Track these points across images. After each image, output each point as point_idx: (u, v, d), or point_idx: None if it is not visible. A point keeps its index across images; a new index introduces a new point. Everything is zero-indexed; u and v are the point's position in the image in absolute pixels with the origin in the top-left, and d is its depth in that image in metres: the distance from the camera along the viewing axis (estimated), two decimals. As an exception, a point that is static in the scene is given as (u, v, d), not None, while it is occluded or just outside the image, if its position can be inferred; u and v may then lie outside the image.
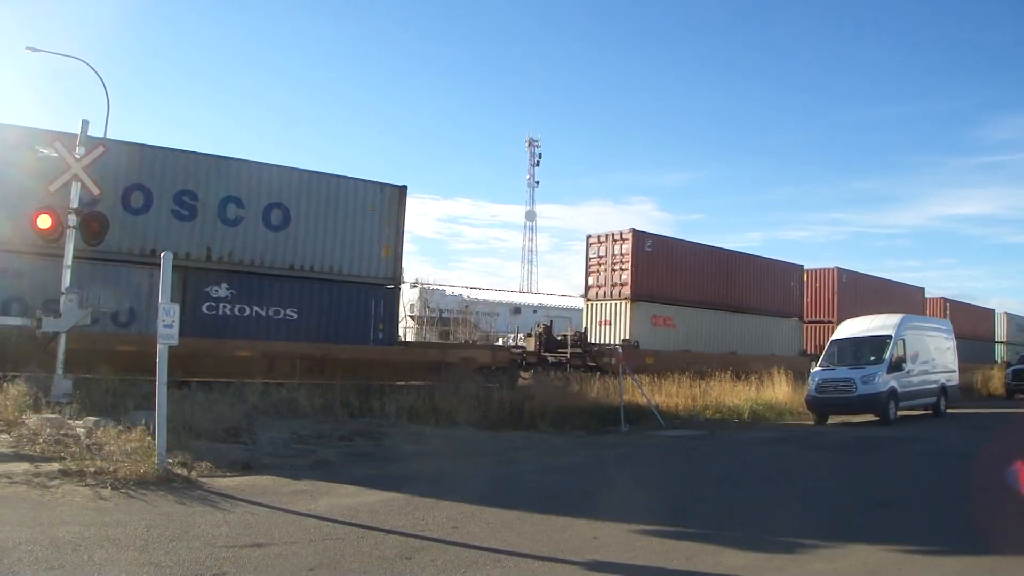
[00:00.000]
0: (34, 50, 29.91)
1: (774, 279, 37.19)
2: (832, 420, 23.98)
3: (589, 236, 32.70)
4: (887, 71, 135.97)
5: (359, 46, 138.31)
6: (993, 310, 57.96)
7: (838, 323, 34.65)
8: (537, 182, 75.69)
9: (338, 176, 22.64)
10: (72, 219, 14.17)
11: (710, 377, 27.12)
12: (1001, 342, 58.04)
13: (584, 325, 32.59)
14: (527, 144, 76.52)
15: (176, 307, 11.22)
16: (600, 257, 31.86)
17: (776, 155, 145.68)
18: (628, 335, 30.01)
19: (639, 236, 31.22)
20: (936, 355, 27.53)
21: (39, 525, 8.06)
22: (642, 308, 30.73)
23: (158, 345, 11.05)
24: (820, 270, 40.98)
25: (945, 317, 42.11)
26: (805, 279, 39.66)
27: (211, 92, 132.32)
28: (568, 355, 29.15)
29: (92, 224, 14.33)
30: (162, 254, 11.29)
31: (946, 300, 49.85)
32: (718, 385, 26.57)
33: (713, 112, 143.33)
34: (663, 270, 31.81)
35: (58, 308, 14.25)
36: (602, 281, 31.62)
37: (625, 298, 30.73)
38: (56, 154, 14.23)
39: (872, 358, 24.41)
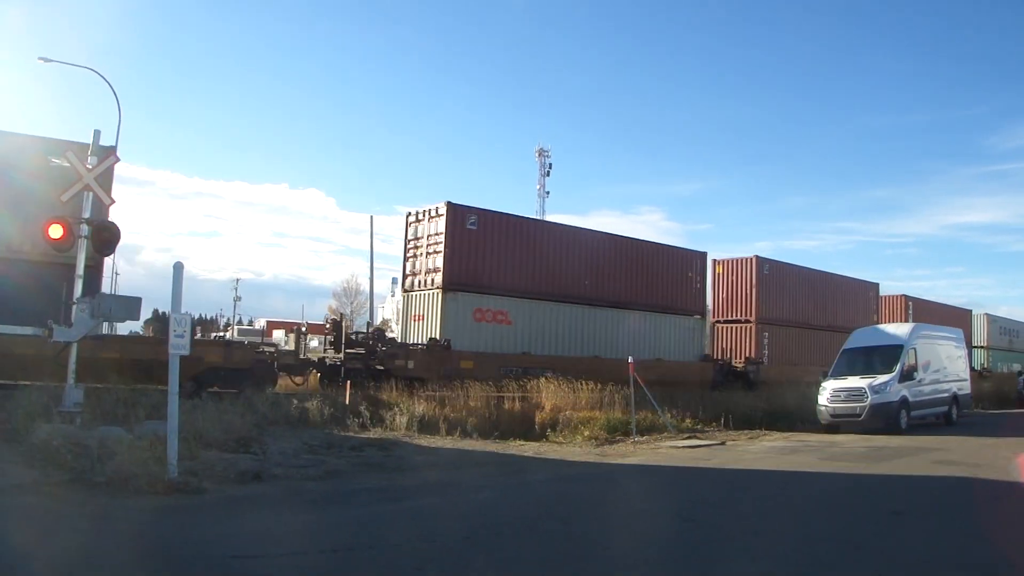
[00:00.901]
0: (46, 60, 30.07)
1: (667, 269, 32.04)
2: (843, 429, 23.89)
3: (408, 213, 27.34)
4: (897, 80, 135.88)
5: (375, 56, 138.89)
6: (970, 311, 53.77)
7: (758, 323, 35.22)
8: (547, 192, 75.39)
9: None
10: (84, 229, 14.19)
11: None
12: (980, 347, 53.19)
13: (399, 322, 29.59)
14: (537, 154, 76.40)
15: (187, 317, 11.22)
16: (416, 239, 26.58)
17: (785, 164, 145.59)
18: (439, 332, 24.45)
19: (457, 211, 25.36)
20: (947, 363, 27.44)
21: (50, 535, 8.06)
22: (459, 300, 24.85)
23: (170, 355, 11.07)
24: (735, 260, 36.55)
25: (907, 318, 42.06)
26: (718, 271, 36.37)
27: (224, 99, 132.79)
28: (346, 356, 24.72)
29: (103, 234, 14.35)
30: (173, 264, 11.32)
31: (907, 298, 46.38)
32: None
33: (722, 122, 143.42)
34: (493, 253, 26.09)
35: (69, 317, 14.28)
36: (418, 268, 26.28)
37: (437, 287, 25.12)
38: (68, 164, 14.26)
39: (883, 367, 24.31)
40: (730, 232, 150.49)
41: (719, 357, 34.94)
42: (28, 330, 14.80)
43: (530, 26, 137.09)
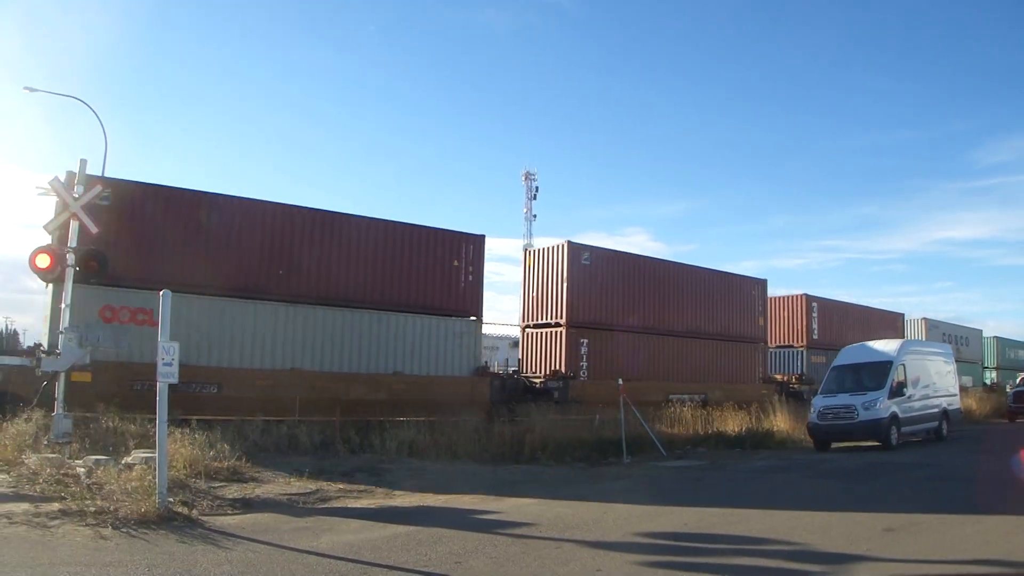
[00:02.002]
0: (31, 90, 30.08)
1: (427, 256, 25.40)
2: (834, 446, 23.96)
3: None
4: (880, 98, 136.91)
5: (357, 80, 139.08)
6: (902, 315, 49.87)
7: (570, 326, 28.15)
8: (535, 215, 75.50)
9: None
10: (70, 258, 14.18)
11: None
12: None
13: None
14: (524, 178, 76.61)
15: (175, 345, 11.20)
16: None
17: (770, 183, 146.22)
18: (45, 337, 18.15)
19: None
20: (937, 379, 27.53)
21: (40, 566, 8.01)
22: (81, 293, 16.40)
23: (158, 384, 11.04)
24: (549, 247, 30.06)
25: (808, 322, 41.26)
26: (530, 262, 30.46)
27: (209, 125, 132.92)
28: None
29: (91, 262, 14.34)
30: (161, 293, 11.29)
31: (809, 298, 41.79)
32: None
33: (707, 142, 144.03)
34: (127, 232, 19.75)
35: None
36: None
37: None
38: (55, 193, 14.28)
39: (873, 384, 24.37)
40: (716, 252, 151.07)
41: (503, 370, 31.73)
42: (15, 360, 14.72)
43: (514, 49, 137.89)
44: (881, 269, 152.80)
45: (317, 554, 9.12)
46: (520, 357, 31.11)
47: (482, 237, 26.75)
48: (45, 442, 13.63)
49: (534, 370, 29.39)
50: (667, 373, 31.65)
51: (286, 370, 21.51)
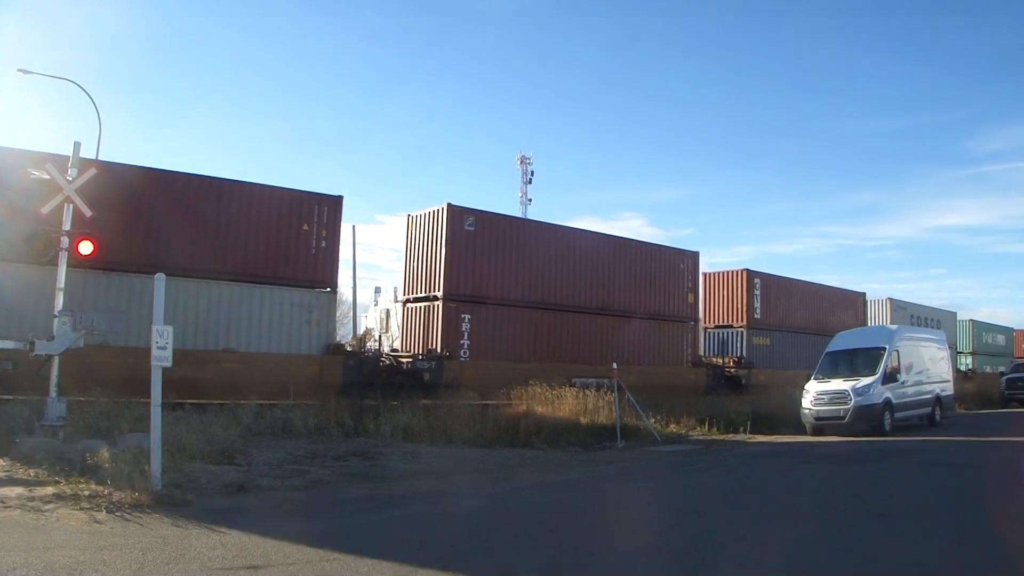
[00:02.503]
0: (25, 72, 30.00)
1: (273, 224, 22.41)
2: (828, 432, 24.04)
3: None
4: (876, 85, 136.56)
5: (352, 64, 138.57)
6: (863, 293, 46.36)
7: (446, 300, 25.00)
8: (530, 200, 75.18)
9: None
10: (64, 241, 14.14)
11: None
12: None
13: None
14: (519, 162, 76.12)
15: (169, 329, 11.19)
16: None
17: (767, 169, 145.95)
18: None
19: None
20: (930, 365, 27.64)
21: (34, 550, 8.02)
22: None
23: (152, 367, 11.04)
24: (428, 212, 26.64)
25: (748, 299, 37.57)
26: (412, 227, 27.37)
27: (205, 107, 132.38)
28: None
29: (85, 245, 14.30)
30: (155, 276, 11.28)
31: (751, 273, 37.42)
32: None
33: (703, 127, 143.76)
34: None
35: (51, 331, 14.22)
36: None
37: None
38: (48, 176, 14.22)
39: (867, 370, 24.46)
40: (712, 237, 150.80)
41: (365, 348, 28.47)
42: (9, 343, 14.69)
43: (510, 34, 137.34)
44: (876, 256, 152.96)
45: (311, 538, 9.13)
46: (400, 335, 28.36)
47: (339, 199, 23.60)
48: (39, 425, 13.62)
49: (415, 350, 26.15)
50: (572, 354, 28.14)
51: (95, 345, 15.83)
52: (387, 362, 25.35)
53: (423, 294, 26.35)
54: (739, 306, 37.04)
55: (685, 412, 24.39)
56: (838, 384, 24.23)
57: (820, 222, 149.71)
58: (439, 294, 25.49)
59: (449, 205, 25.66)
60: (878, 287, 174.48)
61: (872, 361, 24.76)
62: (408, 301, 27.18)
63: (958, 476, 15.14)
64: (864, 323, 42.83)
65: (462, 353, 25.31)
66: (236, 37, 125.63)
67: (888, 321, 43.83)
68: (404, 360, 25.42)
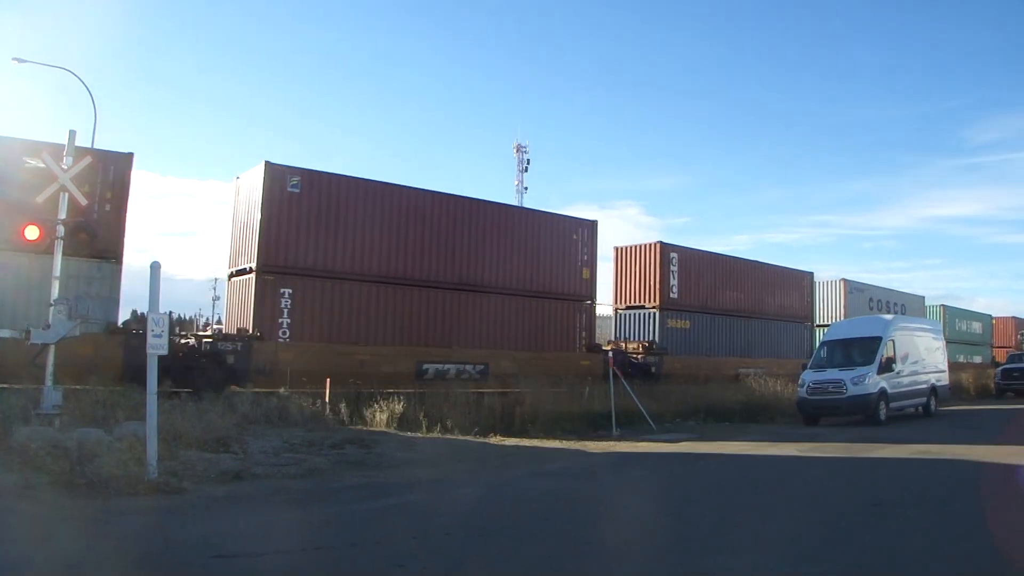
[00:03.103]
0: (21, 61, 29.91)
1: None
2: (823, 422, 24.10)
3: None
4: (873, 74, 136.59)
5: (345, 51, 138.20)
6: (811, 273, 41.89)
7: (263, 272, 21.58)
8: (526, 188, 75.09)
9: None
10: (60, 230, 14.11)
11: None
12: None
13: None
14: (515, 150, 76.09)
15: (165, 316, 11.19)
16: None
17: (763, 158, 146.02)
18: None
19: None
20: (926, 355, 27.65)
21: (30, 539, 8.03)
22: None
23: (148, 355, 11.04)
24: (254, 171, 22.86)
25: (662, 272, 32.46)
26: (238, 194, 23.75)
27: (198, 97, 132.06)
28: None
29: (80, 234, 14.29)
30: (150, 264, 11.27)
31: (664, 246, 33.05)
32: None
33: (699, 115, 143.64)
34: None
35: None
36: None
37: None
38: (44, 165, 14.17)
39: (862, 359, 24.47)
40: (708, 226, 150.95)
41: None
42: (5, 332, 14.65)
43: (506, 21, 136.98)
44: (872, 245, 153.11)
45: (307, 525, 9.16)
46: (224, 313, 25.90)
47: (129, 156, 20.39)
48: (35, 414, 13.60)
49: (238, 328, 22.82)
50: (425, 336, 24.37)
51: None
52: (187, 343, 21.67)
53: (241, 267, 23.02)
54: (651, 284, 32.50)
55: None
56: (834, 373, 24.25)
57: (817, 211, 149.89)
58: (253, 265, 22.00)
59: (267, 163, 22.10)
60: (877, 276, 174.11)
61: (868, 351, 24.76)
62: (232, 275, 23.85)
63: (952, 466, 15.17)
64: (811, 306, 41.11)
65: (280, 334, 21.82)
66: (234, 22, 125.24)
67: (842, 305, 41.91)
68: (206, 341, 21.60)
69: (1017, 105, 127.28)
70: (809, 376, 24.72)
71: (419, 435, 17.25)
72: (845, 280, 43.10)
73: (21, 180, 15.29)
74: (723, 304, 35.22)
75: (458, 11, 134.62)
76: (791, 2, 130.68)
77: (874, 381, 23.74)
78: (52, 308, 13.99)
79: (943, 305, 53.39)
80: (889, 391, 24.28)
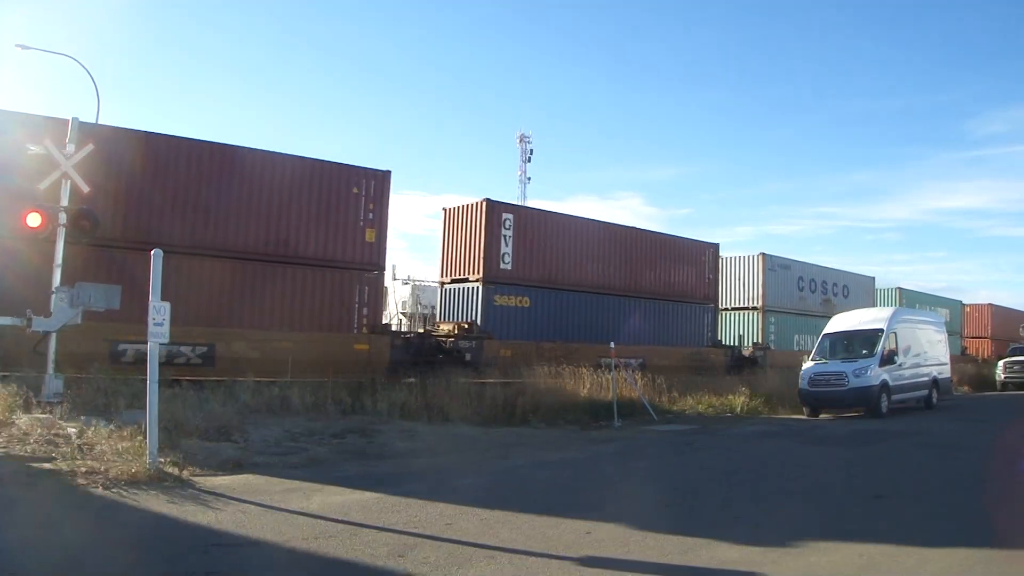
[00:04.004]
0: (24, 47, 29.84)
1: None
2: (824, 414, 24.12)
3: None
4: (876, 65, 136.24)
5: (348, 41, 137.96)
6: (716, 245, 34.93)
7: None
8: (529, 178, 75.02)
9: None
10: (62, 217, 14.09)
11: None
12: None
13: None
14: (518, 140, 76.06)
15: (166, 305, 11.16)
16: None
17: (765, 149, 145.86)
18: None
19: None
20: (928, 348, 27.66)
21: (30, 527, 8.02)
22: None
23: (148, 344, 11.02)
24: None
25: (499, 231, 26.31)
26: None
27: (204, 85, 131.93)
28: None
29: (82, 221, 14.27)
30: (152, 252, 11.24)
31: (488, 202, 26.33)
32: None
33: (700, 106, 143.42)
34: None
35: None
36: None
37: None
38: (46, 151, 14.14)
39: (864, 351, 24.53)
40: (710, 217, 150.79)
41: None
42: (7, 320, 14.63)
43: (509, 11, 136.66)
44: (875, 238, 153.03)
45: (307, 515, 9.14)
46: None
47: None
48: (36, 402, 13.61)
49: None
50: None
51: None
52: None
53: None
54: (475, 253, 26.46)
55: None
56: (836, 365, 24.30)
57: (820, 203, 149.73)
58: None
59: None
60: (879, 269, 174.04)
61: (870, 343, 24.81)
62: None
63: (953, 457, 15.16)
64: (715, 284, 34.07)
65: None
66: (238, 18, 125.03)
67: (760, 284, 36.43)
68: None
69: (1021, 98, 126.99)
70: (811, 368, 24.73)
71: (421, 425, 17.20)
72: (764, 254, 36.98)
73: (24, 166, 15.21)
74: (581, 279, 28.51)
75: (462, 3, 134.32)
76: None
77: (876, 373, 23.76)
78: (54, 296, 13.98)
79: (899, 288, 48.57)
80: (891, 383, 24.30)
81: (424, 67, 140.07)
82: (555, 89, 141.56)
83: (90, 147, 14.65)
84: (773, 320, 37.07)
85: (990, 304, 59.20)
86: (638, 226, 32.18)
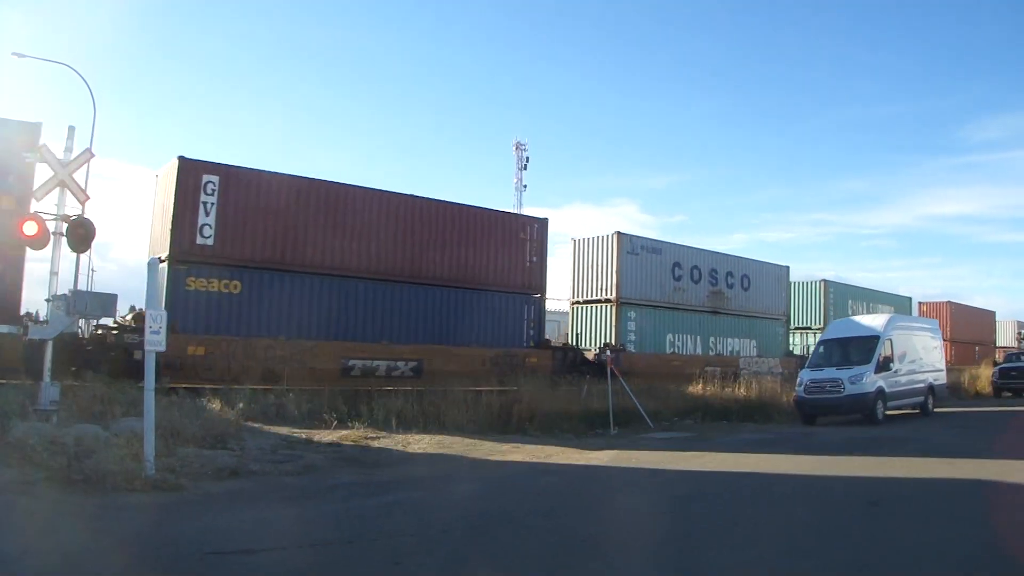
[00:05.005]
0: (20, 56, 29.82)
1: None
2: (820, 421, 24.13)
3: None
4: (869, 72, 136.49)
5: (344, 49, 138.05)
6: (621, 230, 30.57)
7: None
8: (525, 185, 75.04)
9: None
10: (59, 226, 14.12)
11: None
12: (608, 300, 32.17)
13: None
14: (514, 147, 76.11)
15: (163, 314, 11.20)
16: None
17: (759, 156, 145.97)
18: None
19: None
20: (923, 354, 27.65)
21: (27, 534, 8.04)
22: None
23: (145, 351, 11.04)
24: None
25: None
26: None
27: (198, 94, 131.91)
28: None
29: (79, 231, 14.29)
30: (147, 262, 11.28)
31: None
32: None
33: (695, 114, 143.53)
34: None
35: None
36: None
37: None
38: (43, 160, 14.18)
39: (860, 358, 24.47)
40: (704, 224, 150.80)
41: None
42: (3, 328, 14.67)
43: (505, 19, 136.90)
44: (869, 244, 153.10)
45: (303, 522, 9.17)
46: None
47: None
48: (32, 410, 13.61)
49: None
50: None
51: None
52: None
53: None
54: (160, 222, 21.56)
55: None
56: (831, 372, 24.25)
57: (814, 210, 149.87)
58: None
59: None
60: (874, 276, 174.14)
61: (866, 350, 24.76)
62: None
63: (950, 465, 15.18)
64: (541, 268, 27.52)
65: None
66: (227, 23, 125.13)
67: (614, 271, 29.93)
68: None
69: (1015, 104, 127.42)
70: (807, 375, 24.73)
71: (415, 434, 17.22)
72: (620, 233, 30.35)
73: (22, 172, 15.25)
74: (329, 259, 22.82)
75: (458, 8, 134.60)
76: (789, 1, 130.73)
77: (872, 380, 23.74)
78: (50, 304, 14.00)
79: (823, 280, 41.80)
80: (887, 390, 24.27)
81: (420, 75, 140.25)
82: (551, 97, 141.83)
83: (87, 156, 14.69)
84: (633, 315, 30.27)
85: (948, 302, 51.40)
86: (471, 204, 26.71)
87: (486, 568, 7.51)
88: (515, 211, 30.30)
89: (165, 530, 8.49)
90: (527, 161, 75.93)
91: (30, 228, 13.65)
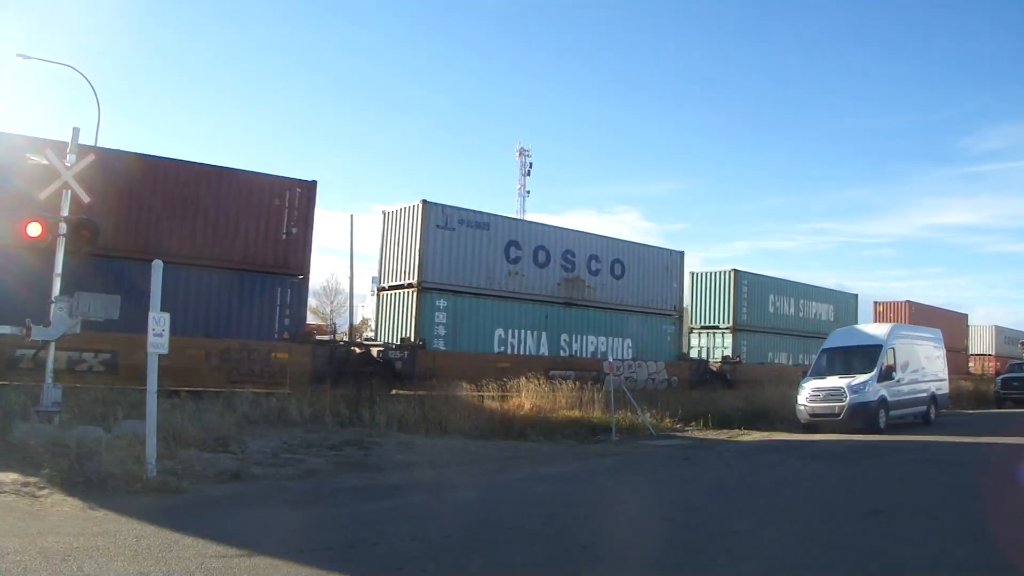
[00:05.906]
0: (25, 57, 29.88)
1: None
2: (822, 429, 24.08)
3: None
4: (873, 82, 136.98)
5: (351, 53, 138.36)
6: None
7: None
8: (528, 191, 75.15)
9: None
10: (62, 227, 14.09)
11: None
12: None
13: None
14: (518, 153, 76.33)
15: (166, 316, 11.19)
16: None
17: (762, 165, 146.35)
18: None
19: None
20: (926, 363, 27.64)
21: (28, 535, 8.01)
22: None
23: (148, 354, 11.03)
24: None
25: None
26: None
27: (206, 98, 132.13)
28: None
29: (83, 231, 14.26)
30: (153, 263, 11.26)
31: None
32: None
33: (698, 122, 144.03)
34: None
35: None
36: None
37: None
38: (47, 162, 14.15)
39: (862, 367, 24.46)
40: (706, 232, 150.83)
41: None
42: (6, 329, 14.62)
43: (509, 26, 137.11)
44: (871, 253, 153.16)
45: (304, 526, 9.14)
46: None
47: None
48: (34, 411, 13.59)
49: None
50: None
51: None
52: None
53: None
54: None
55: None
56: (834, 381, 24.20)
57: (816, 218, 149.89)
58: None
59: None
60: (875, 285, 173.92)
61: (868, 359, 24.75)
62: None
63: (953, 473, 15.14)
64: (304, 242, 21.77)
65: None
66: (232, 28, 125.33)
67: (416, 251, 24.47)
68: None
69: (1016, 115, 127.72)
70: (809, 384, 24.69)
71: (419, 437, 17.20)
72: (425, 201, 24.71)
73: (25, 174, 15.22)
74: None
75: (461, 15, 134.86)
76: (792, 11, 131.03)
77: (874, 389, 23.73)
78: (53, 306, 13.97)
79: (734, 270, 36.25)
80: (889, 399, 24.26)
81: (425, 81, 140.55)
82: (555, 104, 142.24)
83: (90, 157, 14.67)
84: (443, 304, 24.91)
85: (908, 302, 46.49)
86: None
87: (485, 573, 7.50)
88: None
89: (166, 533, 8.46)
90: (530, 167, 76.19)
91: (33, 229, 13.63)
